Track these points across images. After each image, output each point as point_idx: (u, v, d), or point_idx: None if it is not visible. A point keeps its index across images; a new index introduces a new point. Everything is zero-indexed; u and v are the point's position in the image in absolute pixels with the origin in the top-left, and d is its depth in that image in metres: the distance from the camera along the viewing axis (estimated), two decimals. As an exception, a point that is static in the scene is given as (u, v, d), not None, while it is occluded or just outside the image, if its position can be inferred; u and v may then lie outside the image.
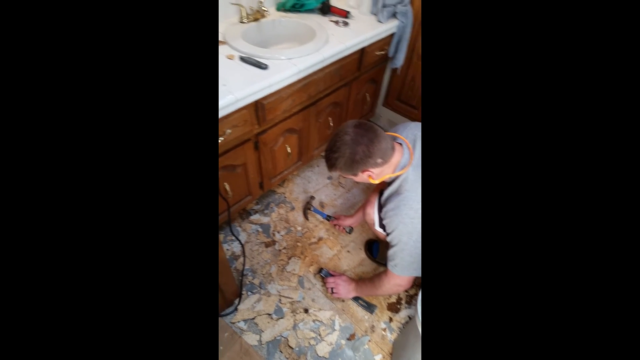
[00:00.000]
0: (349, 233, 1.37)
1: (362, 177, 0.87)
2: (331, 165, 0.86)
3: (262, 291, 1.19)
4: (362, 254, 1.33)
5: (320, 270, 1.25)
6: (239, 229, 1.38)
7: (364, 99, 1.58)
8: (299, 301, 1.18)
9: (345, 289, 1.14)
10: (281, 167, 1.38)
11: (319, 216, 1.44)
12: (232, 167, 1.13)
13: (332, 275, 1.21)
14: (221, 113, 0.91)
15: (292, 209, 1.48)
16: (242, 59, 1.04)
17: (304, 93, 1.17)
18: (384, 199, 0.91)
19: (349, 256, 1.32)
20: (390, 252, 0.91)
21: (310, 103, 1.26)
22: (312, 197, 1.47)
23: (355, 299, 1.18)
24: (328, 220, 1.40)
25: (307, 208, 1.44)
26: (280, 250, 1.32)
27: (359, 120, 0.86)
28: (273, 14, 1.31)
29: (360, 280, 1.16)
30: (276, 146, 1.26)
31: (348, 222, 1.33)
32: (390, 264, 0.92)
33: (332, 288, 1.16)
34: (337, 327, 1.12)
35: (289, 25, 1.30)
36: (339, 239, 1.38)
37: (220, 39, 1.13)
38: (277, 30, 1.30)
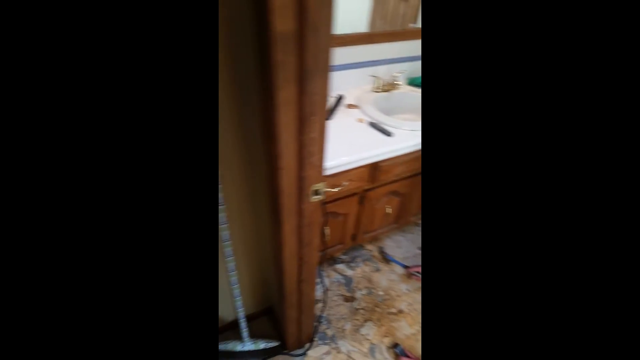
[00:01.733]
0: None
1: None
2: None
3: (333, 345, 1.17)
4: (446, 344, 1.20)
5: (395, 345, 1.16)
6: (323, 273, 1.42)
7: (476, 177, 1.53)
8: (367, 371, 1.11)
9: (421, 377, 1.03)
10: (377, 225, 1.40)
11: (397, 265, 1.49)
12: (336, 215, 1.21)
13: (407, 357, 1.11)
14: (344, 167, 1.01)
15: (377, 270, 1.46)
16: (371, 124, 1.15)
17: (417, 162, 1.21)
18: None
19: (430, 340, 1.20)
20: None
21: (421, 172, 1.29)
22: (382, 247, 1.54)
23: (430, 393, 1.05)
24: (406, 268, 1.44)
25: (383, 255, 1.51)
26: (357, 309, 1.29)
27: None
28: (403, 88, 1.44)
29: (439, 373, 1.03)
30: (378, 204, 1.30)
31: None
32: None
33: (405, 370, 1.07)
34: (402, 418, 1.01)
35: (416, 99, 1.40)
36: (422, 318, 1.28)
37: (354, 102, 1.30)
38: (404, 102, 1.41)
